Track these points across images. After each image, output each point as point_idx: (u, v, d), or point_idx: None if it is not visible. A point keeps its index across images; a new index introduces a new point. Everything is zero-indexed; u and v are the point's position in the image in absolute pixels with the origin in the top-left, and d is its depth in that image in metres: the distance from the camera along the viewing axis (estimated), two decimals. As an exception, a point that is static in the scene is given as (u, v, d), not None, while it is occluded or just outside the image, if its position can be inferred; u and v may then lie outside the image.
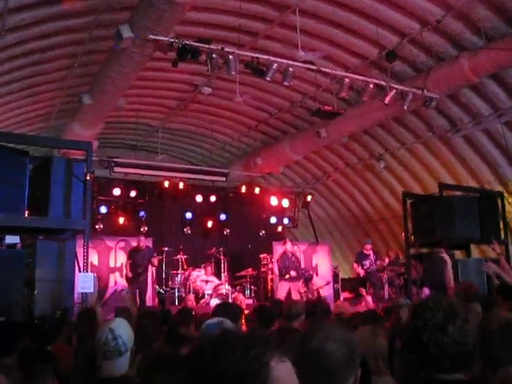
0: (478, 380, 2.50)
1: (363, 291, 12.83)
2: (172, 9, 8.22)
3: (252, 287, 14.32)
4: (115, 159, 14.88)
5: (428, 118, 12.89)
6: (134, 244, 12.96)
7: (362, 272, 13.91)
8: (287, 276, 13.46)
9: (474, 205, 11.75)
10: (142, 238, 12.82)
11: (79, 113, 12.46)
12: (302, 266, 14.30)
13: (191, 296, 12.64)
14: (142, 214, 15.03)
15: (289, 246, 13.91)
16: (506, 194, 12.20)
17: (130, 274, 12.42)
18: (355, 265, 14.18)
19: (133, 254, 12.60)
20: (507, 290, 6.77)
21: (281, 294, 13.16)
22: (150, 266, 12.90)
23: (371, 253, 14.11)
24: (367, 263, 13.90)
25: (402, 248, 13.63)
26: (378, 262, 13.95)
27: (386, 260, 14.18)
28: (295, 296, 12.94)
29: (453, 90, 11.48)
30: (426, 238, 11.66)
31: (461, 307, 2.20)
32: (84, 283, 8.29)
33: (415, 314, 2.17)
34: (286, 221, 17.45)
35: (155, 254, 13.05)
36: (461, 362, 2.11)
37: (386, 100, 10.73)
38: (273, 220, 17.08)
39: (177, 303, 13.26)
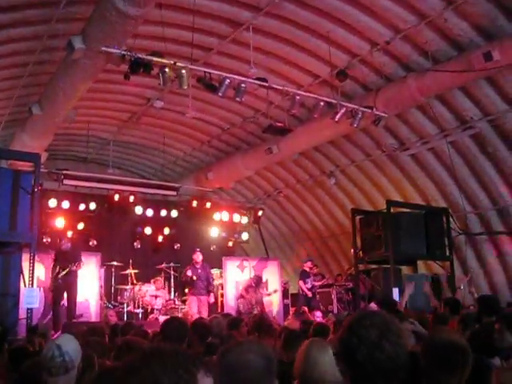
0: None
1: (306, 310, 12.83)
2: (124, 22, 8.19)
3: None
4: (65, 171, 14.60)
5: (377, 137, 13.18)
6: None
7: (309, 293, 14.01)
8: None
9: (421, 221, 12.07)
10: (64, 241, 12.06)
11: (28, 123, 12.22)
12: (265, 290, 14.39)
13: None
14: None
15: (196, 256, 13.42)
16: (450, 211, 12.55)
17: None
18: (301, 282, 14.22)
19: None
20: (454, 304, 6.97)
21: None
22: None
23: (313, 270, 14.41)
24: (309, 281, 14.08)
25: (351, 263, 13.83)
26: (318, 282, 14.25)
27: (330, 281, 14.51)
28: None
29: (401, 110, 11.79)
30: (374, 254, 11.88)
31: (394, 323, 2.23)
32: (29, 298, 8.11)
33: (350, 330, 2.20)
34: (244, 236, 17.40)
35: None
36: (394, 376, 2.15)
37: (336, 118, 10.93)
38: (223, 235, 17.06)
39: (125, 318, 13.04)
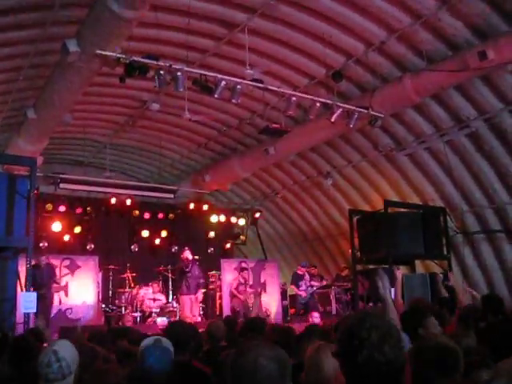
0: None
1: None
2: (119, 24, 8.18)
3: (201, 305, 14.20)
4: (61, 175, 14.60)
5: (374, 137, 13.18)
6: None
7: (303, 293, 14.09)
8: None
9: (418, 221, 12.08)
10: (43, 258, 11.95)
11: (24, 127, 12.18)
12: (250, 282, 14.31)
13: (129, 316, 11.86)
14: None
15: (185, 254, 13.45)
16: (448, 210, 12.56)
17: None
18: (292, 286, 14.36)
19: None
20: (450, 304, 6.96)
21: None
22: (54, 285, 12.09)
23: (306, 273, 14.36)
24: (303, 284, 14.11)
25: (349, 264, 13.83)
26: (314, 283, 14.19)
27: (324, 282, 14.43)
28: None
29: (397, 110, 11.79)
30: (372, 254, 11.88)
31: (394, 326, 2.25)
32: (27, 303, 8.08)
33: (350, 332, 2.21)
34: (242, 238, 17.48)
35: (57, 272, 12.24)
36: (392, 379, 2.16)
37: (333, 118, 10.92)
38: (221, 237, 17.06)
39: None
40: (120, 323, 9.22)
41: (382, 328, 2.18)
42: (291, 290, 14.89)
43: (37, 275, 11.41)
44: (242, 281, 14.06)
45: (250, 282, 14.32)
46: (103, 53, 8.73)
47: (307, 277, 14.19)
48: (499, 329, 4.08)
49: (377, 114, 11.25)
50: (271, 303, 14.70)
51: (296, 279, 14.31)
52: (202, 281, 13.69)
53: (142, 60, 9.03)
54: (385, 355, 2.12)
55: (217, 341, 5.58)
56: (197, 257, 14.15)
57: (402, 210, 12.74)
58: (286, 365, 2.16)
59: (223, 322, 6.54)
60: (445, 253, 12.30)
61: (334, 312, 13.72)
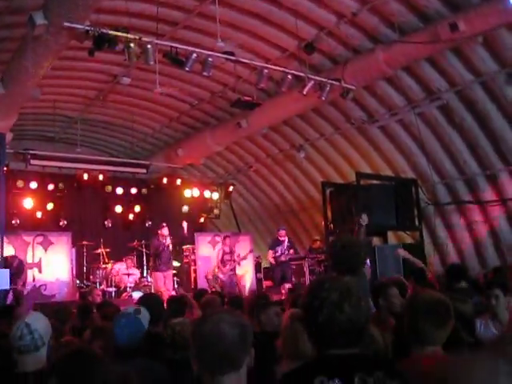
0: (369, 354, 2.67)
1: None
2: (88, -4, 8.02)
3: (175, 279, 14.22)
4: (31, 151, 14.39)
5: (346, 109, 13.22)
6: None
7: (272, 260, 13.93)
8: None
9: (390, 193, 12.22)
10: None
11: (-9, 103, 11.94)
12: (237, 251, 14.30)
13: (98, 291, 11.82)
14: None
15: (164, 230, 13.32)
16: (419, 182, 12.71)
17: None
18: (270, 252, 14.11)
19: None
20: (419, 273, 7.15)
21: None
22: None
23: (285, 239, 14.04)
24: (279, 250, 13.88)
25: (322, 236, 13.94)
26: (291, 251, 14.00)
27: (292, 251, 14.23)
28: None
29: (369, 82, 11.83)
30: (345, 226, 11.99)
31: (354, 286, 2.32)
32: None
33: (311, 294, 2.27)
34: (216, 212, 17.51)
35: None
36: (355, 338, 2.24)
37: (305, 91, 10.91)
38: (195, 211, 17.06)
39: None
40: (89, 298, 9.16)
41: (342, 288, 2.25)
42: (266, 262, 14.88)
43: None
44: (227, 250, 13.96)
45: (237, 251, 14.29)
46: (71, 25, 8.54)
47: (286, 243, 14.05)
48: None
49: (349, 86, 11.26)
50: (245, 276, 14.80)
51: (273, 244, 14.17)
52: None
53: (112, 32, 8.86)
54: (345, 313, 2.19)
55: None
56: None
57: (375, 182, 12.85)
58: (248, 330, 2.21)
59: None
60: (416, 224, 12.49)
61: (307, 283, 13.87)
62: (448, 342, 2.92)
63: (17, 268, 11.47)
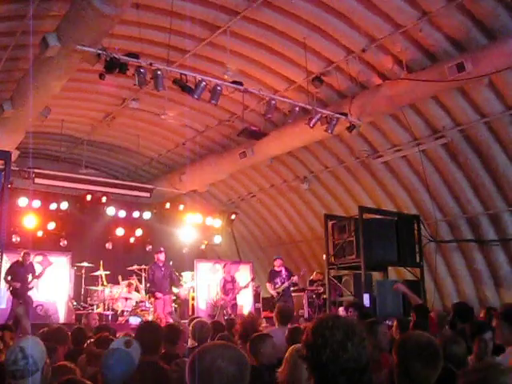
0: None
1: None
2: (100, 20, 8.13)
3: (174, 305, 14.14)
4: (36, 170, 14.44)
5: (351, 143, 13.28)
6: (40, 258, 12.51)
7: (274, 293, 13.51)
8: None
9: (392, 228, 12.15)
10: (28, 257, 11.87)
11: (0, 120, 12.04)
12: (238, 280, 14.21)
13: (95, 314, 11.79)
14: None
15: (161, 255, 13.23)
16: (422, 218, 12.69)
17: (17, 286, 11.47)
18: (268, 285, 13.78)
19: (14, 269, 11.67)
20: (421, 309, 7.09)
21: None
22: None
23: (282, 269, 13.69)
24: (278, 281, 13.52)
25: (322, 268, 13.86)
26: (292, 278, 13.56)
27: (295, 278, 13.75)
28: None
29: (375, 117, 11.89)
30: (345, 260, 11.95)
31: (357, 325, 2.31)
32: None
33: (315, 333, 2.26)
34: (217, 239, 17.47)
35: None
36: (357, 378, 2.22)
37: (311, 123, 10.98)
38: (196, 238, 17.03)
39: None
40: (86, 321, 9.09)
41: (345, 327, 2.24)
42: (266, 289, 14.71)
43: (20, 272, 11.42)
44: (229, 278, 13.83)
45: (237, 279, 14.16)
46: (83, 48, 8.67)
47: (284, 273, 13.67)
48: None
49: (355, 120, 11.33)
50: (244, 305, 14.69)
51: (272, 276, 13.77)
52: (175, 278, 13.60)
53: (123, 57, 8.98)
54: (348, 352, 2.17)
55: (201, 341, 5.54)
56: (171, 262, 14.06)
57: (377, 216, 12.83)
58: (245, 366, 2.21)
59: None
60: (417, 260, 12.41)
61: (306, 316, 13.75)
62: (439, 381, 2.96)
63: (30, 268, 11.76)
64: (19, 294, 11.40)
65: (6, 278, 11.14)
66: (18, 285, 11.37)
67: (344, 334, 2.21)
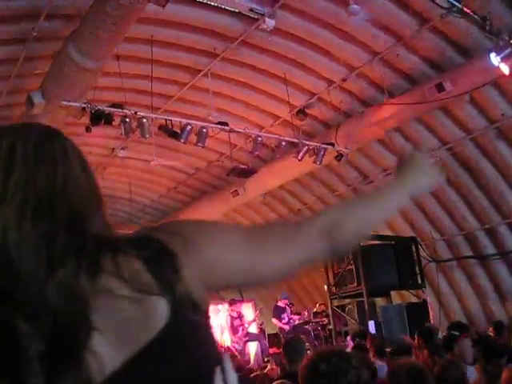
0: None
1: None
2: (83, 75, 8.25)
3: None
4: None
5: (341, 172, 13.35)
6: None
7: (286, 327, 13.27)
8: None
9: (390, 252, 12.13)
10: None
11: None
12: (244, 315, 14.01)
13: None
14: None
15: None
16: (419, 239, 12.68)
17: None
18: (274, 320, 13.58)
19: None
20: (427, 333, 7.02)
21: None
22: None
23: (287, 307, 13.61)
24: (285, 316, 13.39)
25: (325, 299, 13.76)
26: (297, 316, 13.54)
27: (306, 313, 13.85)
28: None
29: (361, 144, 12.00)
30: (347, 288, 11.89)
31: (355, 357, 2.34)
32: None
33: (311, 367, 2.28)
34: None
35: None
36: None
37: (299, 156, 11.08)
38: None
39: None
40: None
41: (339, 361, 2.26)
42: (273, 325, 14.48)
43: None
44: (235, 315, 13.54)
45: (244, 315, 13.92)
46: (68, 104, 8.77)
47: (288, 310, 13.56)
48: None
49: (342, 149, 11.44)
50: (250, 344, 14.47)
51: (278, 312, 13.51)
52: None
53: (107, 108, 9.09)
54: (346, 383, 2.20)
55: None
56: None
57: (374, 242, 12.80)
58: None
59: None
60: (419, 282, 12.36)
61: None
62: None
63: None
64: None
65: None
66: None
67: (338, 367, 2.25)
